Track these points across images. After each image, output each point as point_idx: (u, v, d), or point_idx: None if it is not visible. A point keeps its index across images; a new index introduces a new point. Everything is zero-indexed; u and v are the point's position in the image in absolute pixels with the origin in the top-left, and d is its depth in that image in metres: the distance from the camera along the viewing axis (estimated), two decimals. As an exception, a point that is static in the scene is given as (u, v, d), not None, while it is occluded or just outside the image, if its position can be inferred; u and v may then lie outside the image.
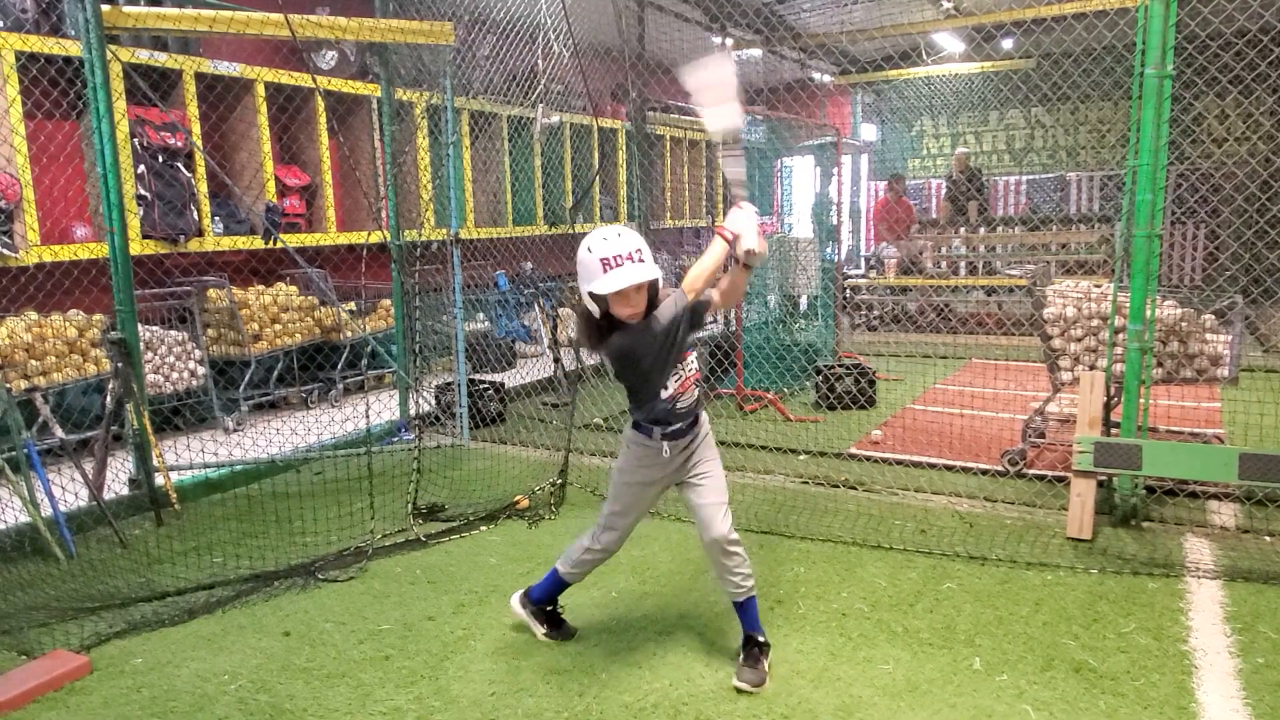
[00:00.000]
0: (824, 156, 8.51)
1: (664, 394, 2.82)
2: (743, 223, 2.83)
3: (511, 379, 7.75)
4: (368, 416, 5.32)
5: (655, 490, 3.03)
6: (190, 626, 3.41)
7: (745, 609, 2.96)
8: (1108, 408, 4.45)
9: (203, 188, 6.50)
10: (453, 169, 6.12)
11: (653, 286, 2.73)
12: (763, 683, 2.86)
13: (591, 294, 2.68)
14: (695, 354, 2.92)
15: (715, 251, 2.83)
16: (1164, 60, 3.81)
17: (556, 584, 3.21)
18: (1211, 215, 11.63)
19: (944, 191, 11.85)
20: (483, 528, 4.44)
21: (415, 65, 6.92)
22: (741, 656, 2.95)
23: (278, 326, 6.80)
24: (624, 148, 10.91)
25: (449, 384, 6.58)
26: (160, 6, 5.26)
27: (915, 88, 13.67)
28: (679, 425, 2.89)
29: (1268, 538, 4.03)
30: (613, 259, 2.63)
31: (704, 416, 3.02)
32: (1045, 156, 13.82)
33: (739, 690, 2.84)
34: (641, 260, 2.66)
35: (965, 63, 12.31)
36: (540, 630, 3.24)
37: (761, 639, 2.96)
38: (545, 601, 3.25)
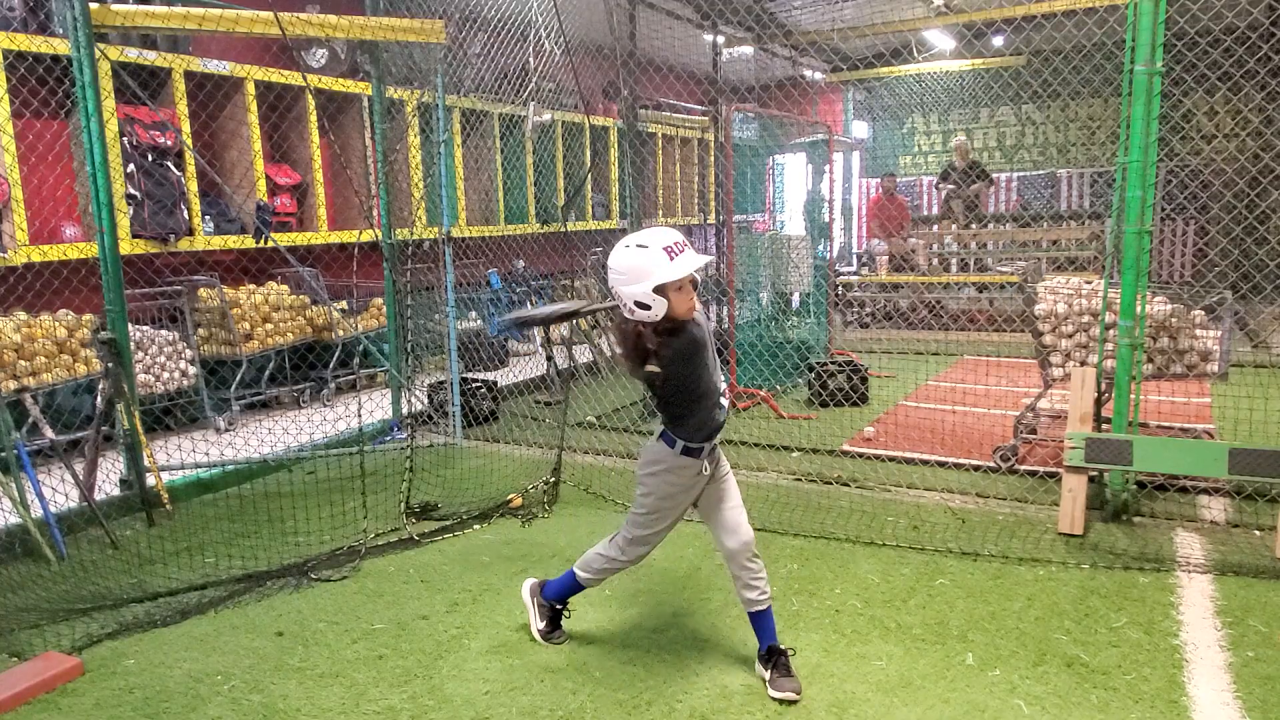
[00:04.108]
0: (816, 154, 8.53)
1: (724, 400, 2.85)
2: None
3: (504, 377, 7.74)
4: (360, 416, 5.30)
5: (683, 506, 2.98)
6: (183, 627, 3.40)
7: (764, 619, 2.89)
8: (1099, 403, 4.47)
9: (193, 186, 6.47)
10: (444, 167, 6.11)
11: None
12: (800, 690, 2.80)
13: (657, 289, 2.60)
14: None
15: None
16: (1154, 57, 3.83)
17: (571, 587, 3.17)
18: (1201, 212, 11.69)
19: (940, 182, 11.81)
20: (476, 526, 4.43)
21: (406, 63, 6.90)
22: (771, 669, 2.85)
23: (269, 326, 6.78)
24: (616, 145, 10.91)
25: (441, 383, 6.57)
26: (149, 4, 5.24)
27: (906, 85, 13.69)
28: (721, 425, 2.87)
29: (1257, 532, 4.06)
30: (674, 245, 2.62)
31: None
32: (1036, 153, 13.86)
33: (783, 702, 2.76)
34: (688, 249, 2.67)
35: (956, 60, 12.33)
36: (539, 625, 3.22)
37: (783, 646, 2.90)
38: (558, 600, 3.22)
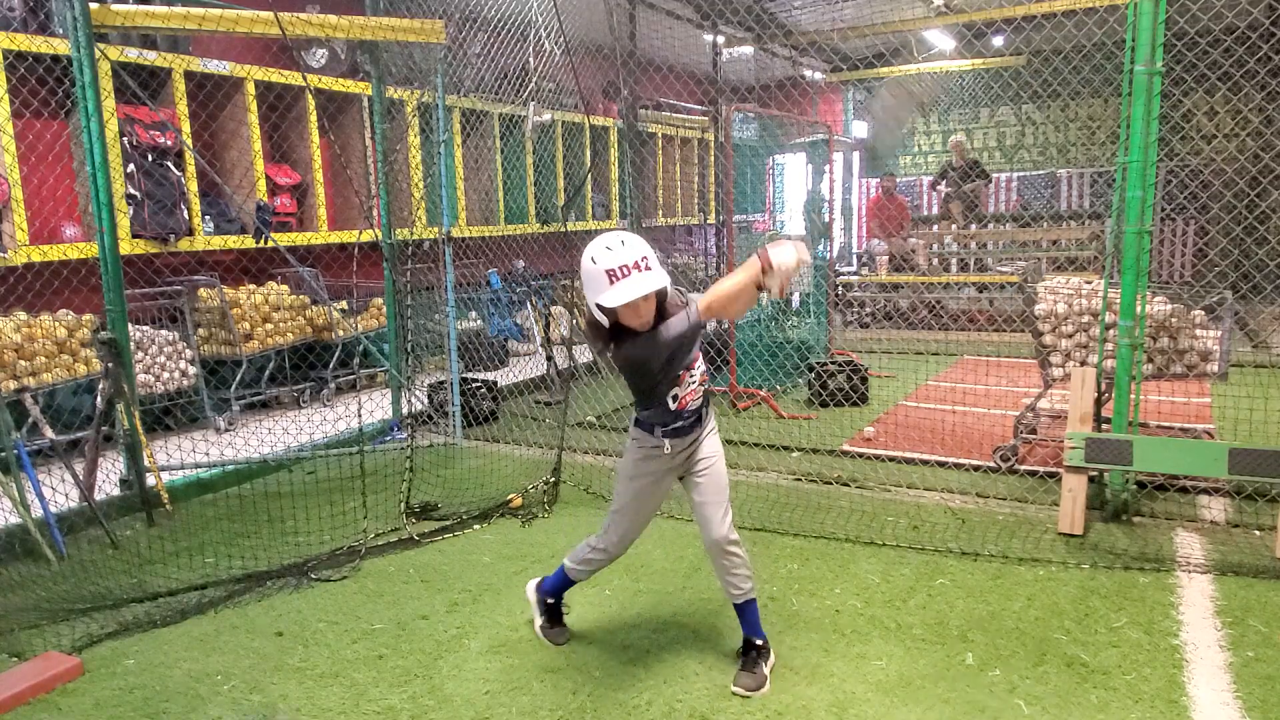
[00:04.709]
0: (816, 154, 8.53)
1: (671, 404, 2.81)
2: (783, 254, 2.55)
3: (504, 377, 7.74)
4: (360, 415, 5.30)
5: (656, 488, 2.97)
6: (182, 627, 3.40)
7: (745, 612, 2.93)
8: (1099, 403, 4.47)
9: (193, 186, 6.47)
10: (444, 167, 6.11)
11: (661, 293, 2.65)
12: (760, 687, 2.84)
13: (599, 306, 2.59)
14: (702, 361, 2.89)
15: (743, 275, 2.58)
16: (1154, 57, 3.83)
17: (562, 580, 3.20)
18: (1201, 211, 11.70)
19: (937, 181, 11.78)
20: (476, 526, 4.43)
21: (406, 63, 6.90)
22: (740, 661, 2.92)
23: (269, 326, 6.78)
24: (616, 145, 10.91)
25: (441, 382, 6.57)
26: (149, 4, 5.24)
27: (906, 85, 13.69)
28: (681, 425, 2.86)
29: (1257, 532, 4.06)
30: (619, 269, 2.53)
31: (710, 413, 2.98)
32: (1036, 153, 13.87)
33: (737, 695, 2.83)
34: (648, 268, 2.56)
35: (956, 60, 12.34)
36: (538, 620, 3.25)
37: (760, 642, 2.93)
38: (550, 594, 3.24)
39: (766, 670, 2.91)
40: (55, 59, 5.47)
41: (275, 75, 7.01)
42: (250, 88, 6.83)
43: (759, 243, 8.21)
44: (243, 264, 7.18)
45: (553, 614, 3.25)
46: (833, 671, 2.96)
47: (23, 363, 5.32)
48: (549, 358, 7.60)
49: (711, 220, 11.41)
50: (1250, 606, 3.33)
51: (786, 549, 4.02)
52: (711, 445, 2.96)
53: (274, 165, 7.36)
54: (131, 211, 6.05)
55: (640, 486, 2.96)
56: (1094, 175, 13.09)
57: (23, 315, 5.54)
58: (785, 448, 5.60)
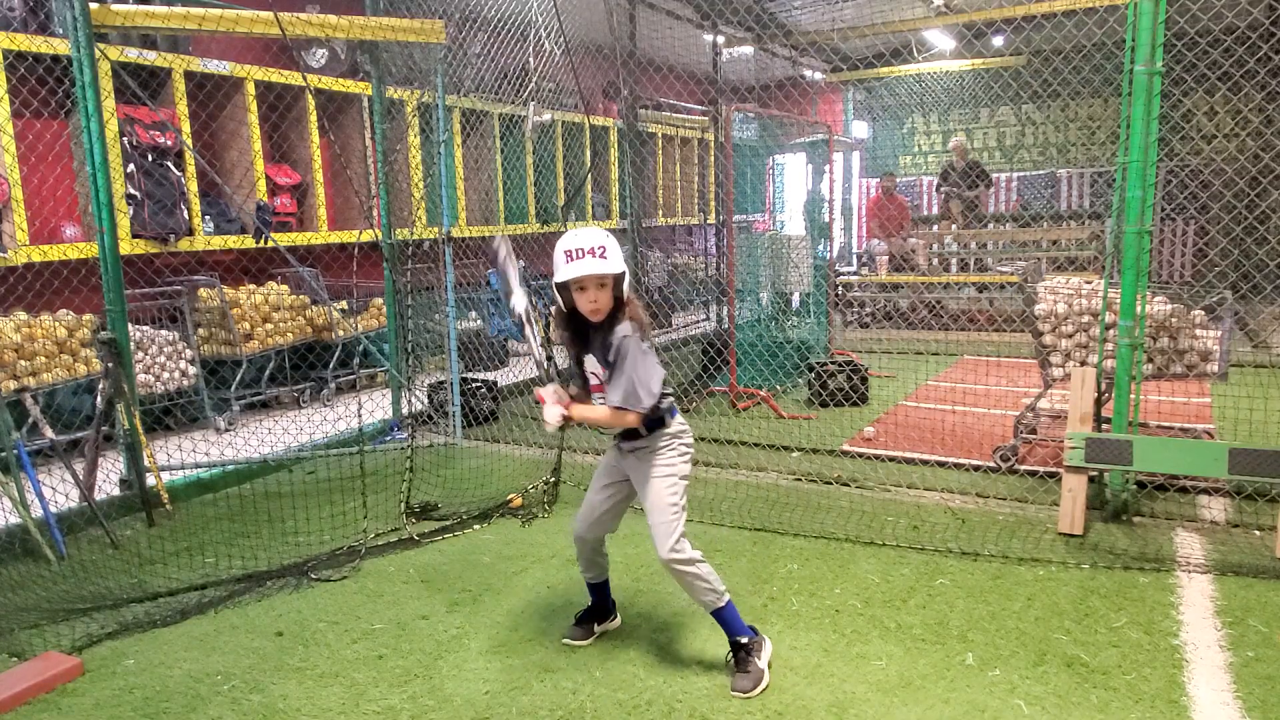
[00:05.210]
0: (816, 154, 8.53)
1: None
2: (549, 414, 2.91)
3: (504, 377, 7.74)
4: (360, 415, 5.30)
5: (607, 472, 3.09)
6: (183, 627, 3.40)
7: (720, 618, 2.89)
8: (1099, 403, 4.47)
9: (193, 186, 6.47)
10: (444, 167, 6.11)
11: (617, 286, 2.78)
12: (757, 685, 2.81)
13: (556, 285, 2.79)
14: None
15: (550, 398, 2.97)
16: (1154, 57, 3.83)
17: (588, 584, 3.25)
18: (1201, 211, 11.70)
19: (940, 184, 11.77)
20: (476, 526, 4.43)
21: (406, 63, 6.90)
22: (732, 664, 2.89)
23: (269, 326, 6.78)
24: (616, 145, 10.91)
25: (441, 382, 6.57)
26: (149, 4, 5.24)
27: (906, 85, 13.70)
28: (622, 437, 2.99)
29: (1257, 532, 4.06)
30: (575, 251, 2.72)
31: (656, 439, 2.94)
32: (1036, 153, 13.87)
33: (736, 698, 2.80)
34: (603, 257, 2.71)
35: (956, 60, 12.34)
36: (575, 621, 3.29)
37: (745, 640, 2.88)
38: (592, 596, 3.27)
39: (762, 664, 2.88)
40: (55, 59, 5.47)
41: (275, 75, 7.01)
42: (250, 88, 6.83)
43: (759, 244, 8.22)
44: (243, 264, 7.18)
45: (583, 614, 3.26)
46: (832, 671, 2.96)
47: (23, 363, 5.32)
48: (549, 357, 7.59)
49: (711, 220, 11.41)
50: (1250, 606, 3.33)
51: (786, 549, 4.02)
52: (655, 465, 2.92)
53: (274, 165, 7.36)
54: (131, 211, 6.05)
55: (600, 472, 3.15)
56: (1094, 175, 13.09)
57: (23, 315, 5.54)
58: (785, 448, 5.60)
